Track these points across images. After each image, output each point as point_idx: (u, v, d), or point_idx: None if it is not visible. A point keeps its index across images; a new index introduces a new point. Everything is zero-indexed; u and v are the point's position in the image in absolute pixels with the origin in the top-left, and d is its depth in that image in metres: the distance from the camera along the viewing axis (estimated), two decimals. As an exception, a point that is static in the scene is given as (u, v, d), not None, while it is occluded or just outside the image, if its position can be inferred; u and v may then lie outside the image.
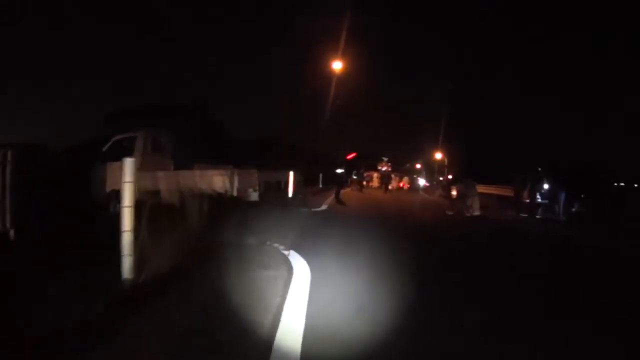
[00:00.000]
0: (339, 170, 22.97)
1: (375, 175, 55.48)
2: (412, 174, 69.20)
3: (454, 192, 20.52)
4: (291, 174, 20.12)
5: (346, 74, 32.26)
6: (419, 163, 75.67)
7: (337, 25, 30.01)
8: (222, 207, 12.33)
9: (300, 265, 7.27)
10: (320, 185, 34.33)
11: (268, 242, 9.06)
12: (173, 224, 7.01)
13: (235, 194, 13.29)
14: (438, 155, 65.83)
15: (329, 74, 31.91)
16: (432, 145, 65.52)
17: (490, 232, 14.88)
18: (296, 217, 14.31)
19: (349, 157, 23.18)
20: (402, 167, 69.65)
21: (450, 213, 20.04)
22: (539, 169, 24.38)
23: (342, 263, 7.90)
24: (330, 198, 24.01)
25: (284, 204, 17.60)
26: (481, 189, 33.45)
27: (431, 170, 68.12)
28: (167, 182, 14.09)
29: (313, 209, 17.85)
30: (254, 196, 14.67)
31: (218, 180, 13.54)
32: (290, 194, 19.82)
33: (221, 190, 13.30)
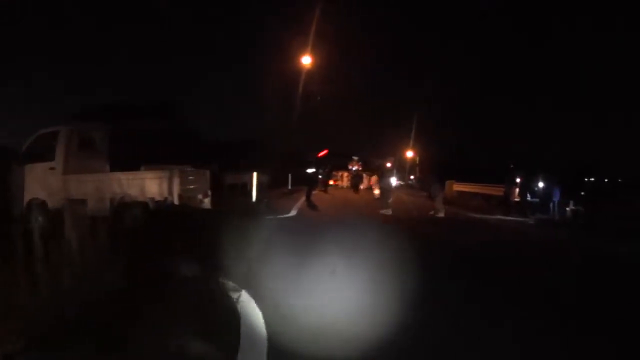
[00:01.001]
0: (309, 170, 19.60)
1: (345, 174, 52.79)
2: (383, 172, 66.89)
3: (376, 192, 18.31)
4: (254, 175, 16.99)
5: (322, 70, 30.04)
6: (390, 162, 73.02)
7: (314, 20, 27.20)
8: (153, 221, 9.44)
9: (252, 325, 4.46)
10: (289, 187, 31.18)
11: (212, 277, 6.08)
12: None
13: (176, 201, 10.14)
14: (409, 154, 63.70)
15: (300, 70, 29.37)
16: (404, 144, 63.28)
17: (488, 237, 12.87)
18: (258, 228, 11.29)
19: (320, 154, 20.13)
20: (372, 166, 66.97)
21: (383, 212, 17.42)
22: (511, 165, 23.26)
23: (318, 312, 5.04)
24: (301, 201, 21.06)
25: (246, 210, 14.57)
26: (465, 187, 31.42)
27: (402, 169, 65.62)
28: (79, 188, 11.11)
29: (280, 216, 14.87)
30: (206, 203, 11.60)
31: (152, 185, 10.41)
32: (254, 198, 16.72)
33: (158, 198, 10.22)
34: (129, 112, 33.24)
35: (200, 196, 11.37)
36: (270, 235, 10.54)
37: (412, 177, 64.85)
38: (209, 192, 11.77)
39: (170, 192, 10.14)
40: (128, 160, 12.22)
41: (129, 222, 10.57)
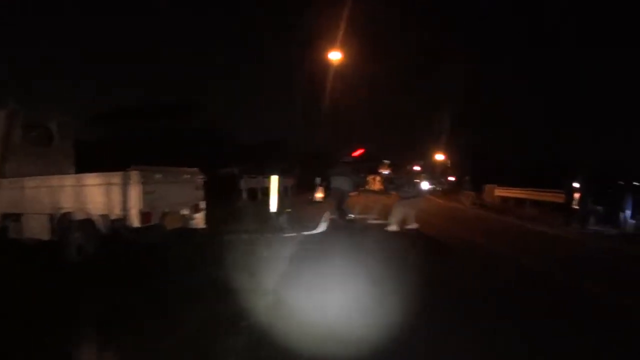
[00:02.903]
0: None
1: (377, 178, 48.95)
2: (413, 176, 62.95)
3: (318, 195, 13.21)
4: (274, 179, 12.96)
5: (348, 70, 26.87)
6: (419, 165, 68.80)
7: (340, 22, 23.73)
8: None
9: None
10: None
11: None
12: None
13: (137, 221, 6.08)
14: (440, 157, 59.73)
15: (327, 68, 25.83)
16: (434, 147, 59.23)
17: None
18: (269, 258, 7.37)
19: (356, 154, 15.91)
20: (402, 170, 62.94)
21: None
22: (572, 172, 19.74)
23: None
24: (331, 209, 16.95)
25: (260, 225, 10.61)
26: (509, 192, 27.30)
27: (433, 173, 61.58)
28: (15, 197, 7.41)
29: (305, 232, 10.87)
30: (197, 220, 7.56)
31: (97, 195, 6.37)
32: (273, 209, 12.72)
33: (115, 215, 6.21)
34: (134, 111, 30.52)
35: (186, 211, 7.29)
36: (288, 269, 6.58)
37: (441, 180, 61.06)
38: (202, 205, 7.68)
39: (126, 207, 6.09)
40: (117, 161, 8.33)
41: (71, 256, 6.68)
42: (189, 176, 7.41)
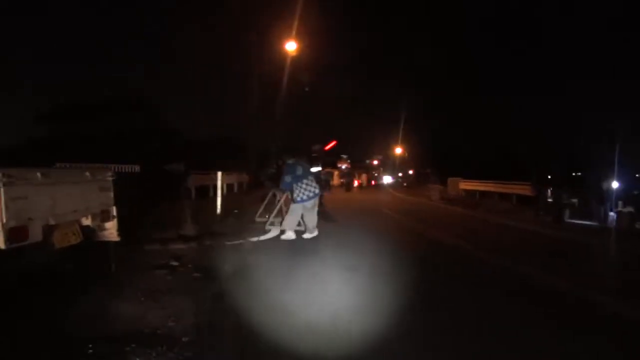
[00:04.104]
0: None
1: (336, 173, 47.51)
2: (372, 170, 62.01)
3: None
4: (219, 176, 11.29)
5: (307, 61, 26.14)
6: (377, 159, 68.05)
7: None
8: None
9: None
10: (274, 189, 25.45)
11: None
12: None
13: (3, 241, 4.25)
14: (398, 150, 59.54)
15: (283, 61, 24.71)
16: (393, 141, 59.02)
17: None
18: (196, 281, 5.75)
19: (328, 147, 14.35)
20: (360, 164, 61.93)
21: None
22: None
23: None
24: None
25: (200, 230, 8.88)
26: (474, 185, 26.50)
27: (392, 166, 60.98)
28: None
29: (253, 239, 9.05)
30: (108, 231, 5.79)
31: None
32: (218, 209, 11.02)
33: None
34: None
35: (88, 221, 5.51)
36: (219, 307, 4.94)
37: (400, 174, 60.28)
38: (113, 211, 5.88)
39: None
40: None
41: None
42: (88, 175, 5.53)
